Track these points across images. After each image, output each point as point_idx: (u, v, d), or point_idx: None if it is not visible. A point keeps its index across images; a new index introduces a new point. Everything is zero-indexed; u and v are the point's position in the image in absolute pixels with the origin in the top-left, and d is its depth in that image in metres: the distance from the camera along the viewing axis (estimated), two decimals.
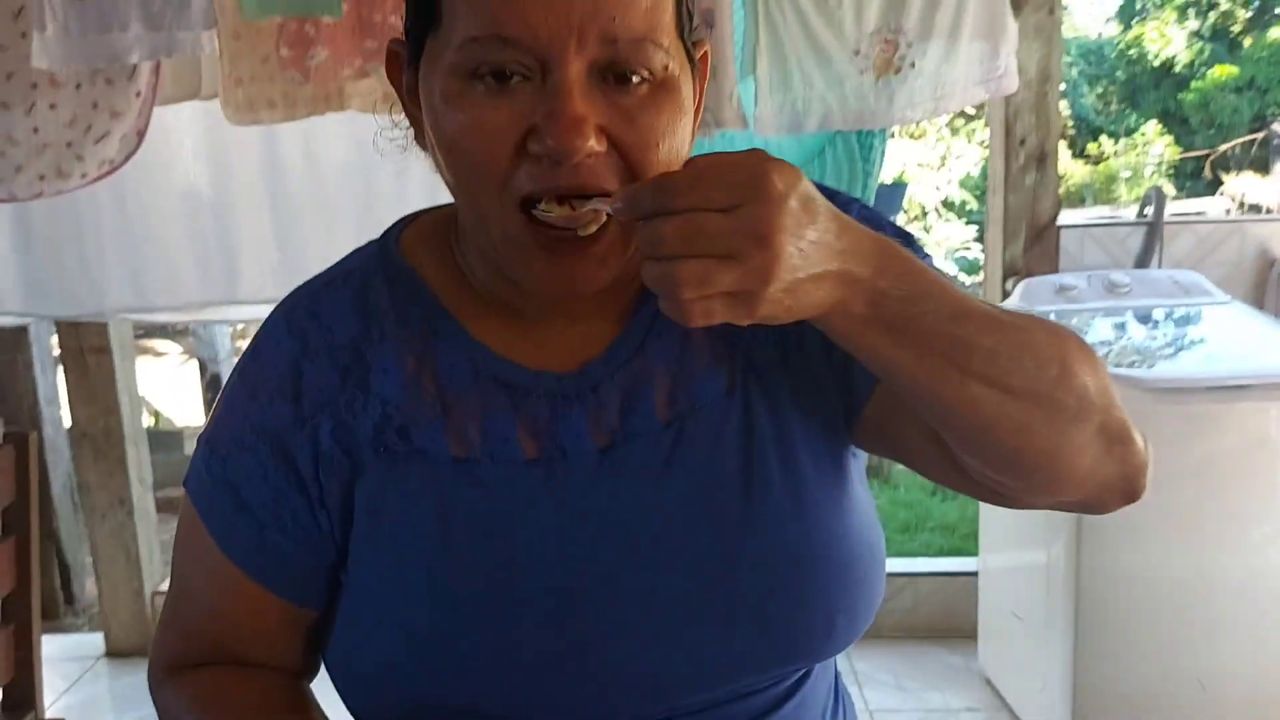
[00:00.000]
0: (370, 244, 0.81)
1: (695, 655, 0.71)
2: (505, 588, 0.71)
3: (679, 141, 0.68)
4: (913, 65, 2.16)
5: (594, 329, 0.76)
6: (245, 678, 0.79)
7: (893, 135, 8.53)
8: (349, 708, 0.78)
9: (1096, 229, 2.60)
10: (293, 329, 0.77)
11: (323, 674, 0.81)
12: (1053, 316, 2.21)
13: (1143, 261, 2.54)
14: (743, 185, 0.58)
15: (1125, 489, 0.73)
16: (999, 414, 0.65)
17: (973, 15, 2.15)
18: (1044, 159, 2.45)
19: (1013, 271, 2.49)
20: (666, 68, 0.66)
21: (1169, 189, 10.92)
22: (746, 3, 2.18)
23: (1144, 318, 2.30)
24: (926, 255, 0.77)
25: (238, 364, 0.79)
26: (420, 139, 0.74)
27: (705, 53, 0.72)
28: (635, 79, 0.65)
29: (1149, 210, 2.57)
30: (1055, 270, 2.47)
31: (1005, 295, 2.41)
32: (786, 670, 0.76)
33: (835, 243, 0.60)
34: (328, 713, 0.81)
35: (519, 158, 0.65)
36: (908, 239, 0.78)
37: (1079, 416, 0.67)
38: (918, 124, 8.46)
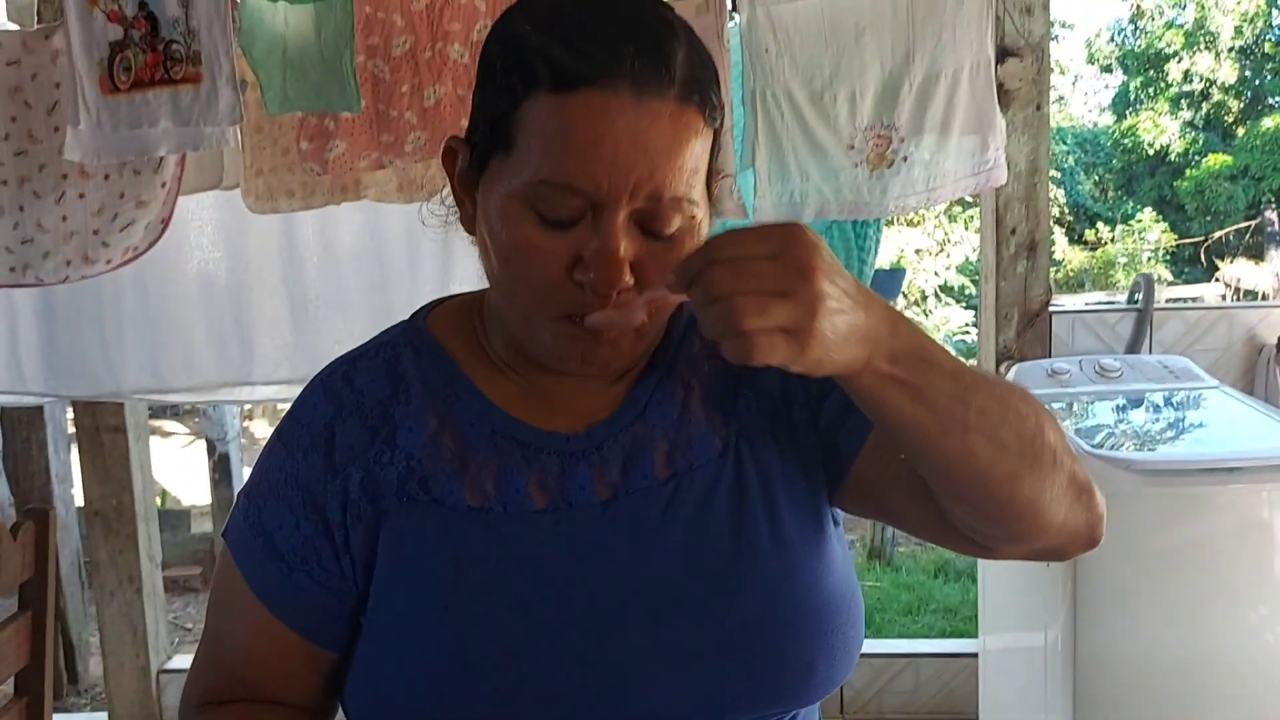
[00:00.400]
0: (401, 322, 0.91)
1: (690, 693, 0.76)
2: (515, 627, 0.78)
3: None
4: (905, 159, 2.26)
5: (601, 396, 0.85)
6: (267, 712, 0.85)
7: (891, 223, 8.69)
8: None
9: (1088, 315, 2.67)
10: (329, 394, 0.86)
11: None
12: (1046, 400, 2.27)
13: (1133, 347, 2.60)
14: (781, 236, 0.65)
15: (1088, 536, 0.81)
16: (992, 464, 0.73)
17: (962, 111, 2.25)
18: (1034, 247, 2.53)
19: (1006, 356, 2.55)
20: (694, 217, 0.76)
21: (1165, 275, 11.07)
22: (746, 99, 2.28)
23: (1136, 402, 2.35)
24: None
25: (278, 425, 0.87)
26: (463, 222, 0.83)
27: (719, 185, 0.83)
28: (669, 229, 0.75)
29: (1139, 296, 2.64)
30: (1047, 355, 2.54)
31: None
32: (773, 712, 0.82)
33: (860, 297, 0.67)
34: None
35: (564, 280, 0.75)
36: None
37: (1054, 467, 0.76)
38: (915, 213, 8.62)
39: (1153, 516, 1.97)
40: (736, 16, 2.25)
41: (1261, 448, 2.07)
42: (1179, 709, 2.03)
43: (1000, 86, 2.40)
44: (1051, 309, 2.57)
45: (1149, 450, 2.10)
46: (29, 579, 1.63)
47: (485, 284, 0.85)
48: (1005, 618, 2.40)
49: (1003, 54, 2.42)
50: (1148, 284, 2.63)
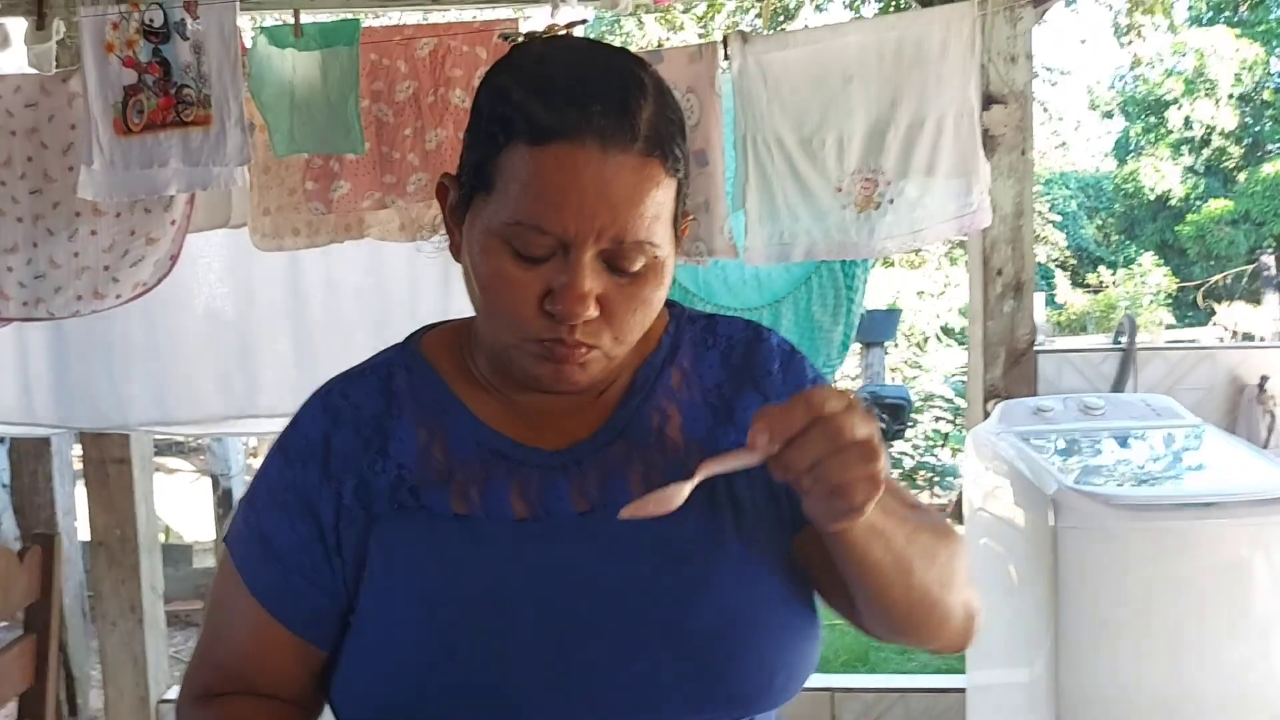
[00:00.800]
0: (396, 344, 0.98)
1: (652, 694, 0.82)
2: (494, 626, 0.84)
3: (655, 307, 0.87)
4: (891, 201, 2.33)
5: (582, 416, 0.92)
6: (260, 705, 0.91)
7: (891, 264, 8.77)
8: None
9: (1074, 354, 2.72)
10: (327, 408, 0.93)
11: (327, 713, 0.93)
12: (1030, 437, 2.32)
13: (1118, 386, 2.65)
14: (843, 395, 0.78)
15: (963, 642, 0.95)
16: (926, 593, 0.87)
17: (947, 156, 2.33)
18: (1020, 288, 2.59)
19: (993, 394, 2.60)
20: (656, 257, 0.84)
21: (1167, 318, 11.12)
22: (737, 143, 2.36)
23: (1121, 440, 2.40)
24: (824, 378, 1.00)
25: (278, 438, 0.94)
26: (452, 250, 0.91)
27: (687, 226, 0.91)
28: (632, 268, 0.83)
29: (1124, 338, 2.69)
30: (1034, 393, 2.59)
31: (986, 415, 2.52)
32: (730, 715, 0.87)
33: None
34: None
35: (536, 310, 0.83)
36: (796, 353, 1.00)
37: (962, 589, 0.91)
38: (915, 253, 8.69)
39: (1133, 553, 2.00)
40: (729, 64, 2.34)
41: (1242, 485, 2.11)
42: None
43: (986, 132, 2.48)
44: (1037, 349, 2.62)
45: (1130, 487, 2.15)
46: (34, 603, 1.68)
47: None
48: (991, 654, 2.42)
49: (988, 101, 2.50)
50: (1131, 325, 2.69)
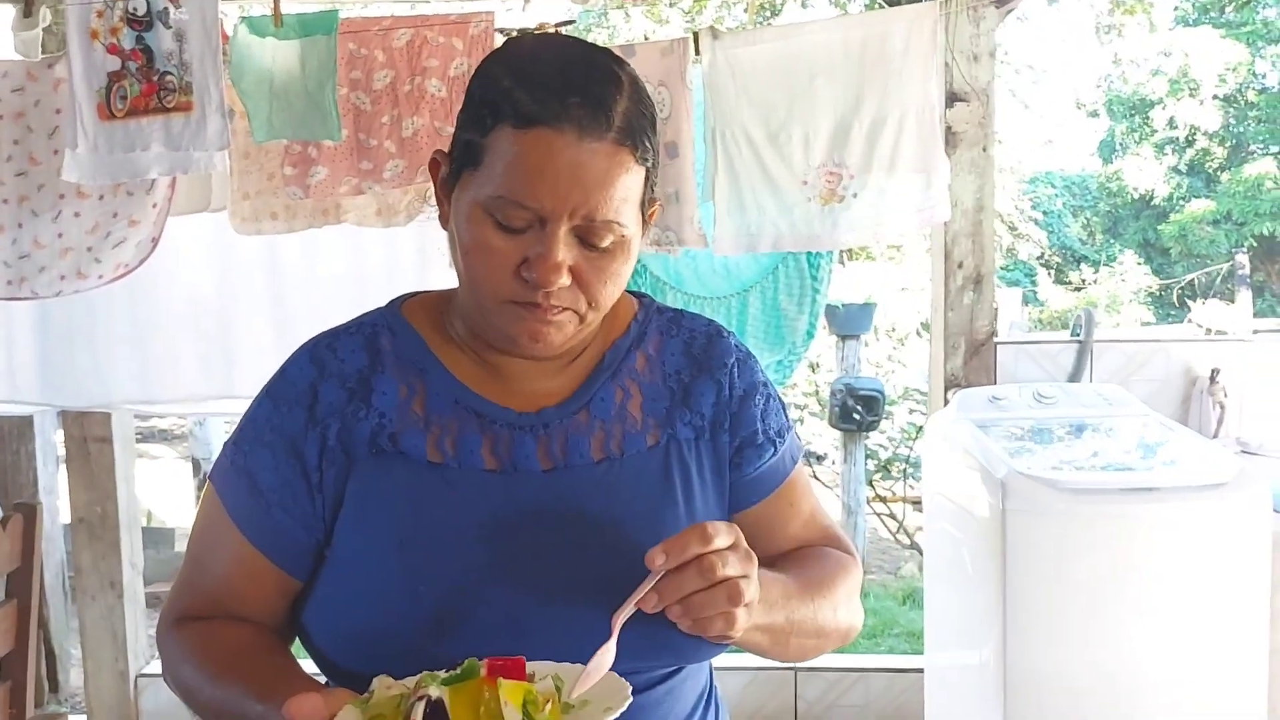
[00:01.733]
0: (379, 308, 1.07)
1: (596, 636, 0.88)
2: (459, 563, 0.93)
3: (623, 279, 0.96)
4: (855, 195, 2.40)
5: (552, 386, 1.02)
6: (235, 624, 0.99)
7: (873, 259, 8.83)
8: (320, 660, 0.98)
9: (1032, 346, 2.80)
10: (314, 358, 1.01)
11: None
12: (986, 425, 2.39)
13: (1074, 376, 2.73)
14: (732, 530, 0.87)
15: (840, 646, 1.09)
16: (804, 648, 1.00)
17: (909, 152, 2.40)
18: (980, 281, 2.67)
19: (954, 383, 2.68)
20: (624, 235, 0.93)
21: (1146, 316, 11.20)
22: (707, 136, 2.42)
23: (1078, 428, 2.48)
24: (773, 385, 1.10)
25: (266, 384, 1.02)
26: (441, 220, 1.00)
27: (654, 211, 1.00)
28: (602, 244, 0.92)
29: (1081, 331, 2.77)
30: (993, 382, 2.67)
31: (946, 403, 2.59)
32: (665, 663, 0.98)
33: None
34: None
35: (514, 276, 0.92)
36: (750, 356, 1.10)
37: (840, 622, 1.03)
38: (896, 248, 8.77)
39: (1079, 536, 2.08)
40: (699, 59, 2.40)
41: (1184, 471, 2.19)
42: (1105, 718, 2.13)
43: (948, 129, 2.55)
44: (997, 340, 2.70)
45: (1077, 472, 2.22)
46: (16, 569, 1.74)
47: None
48: (948, 635, 2.50)
49: (951, 98, 2.57)
50: (1088, 318, 2.77)
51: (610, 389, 1.02)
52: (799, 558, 1.06)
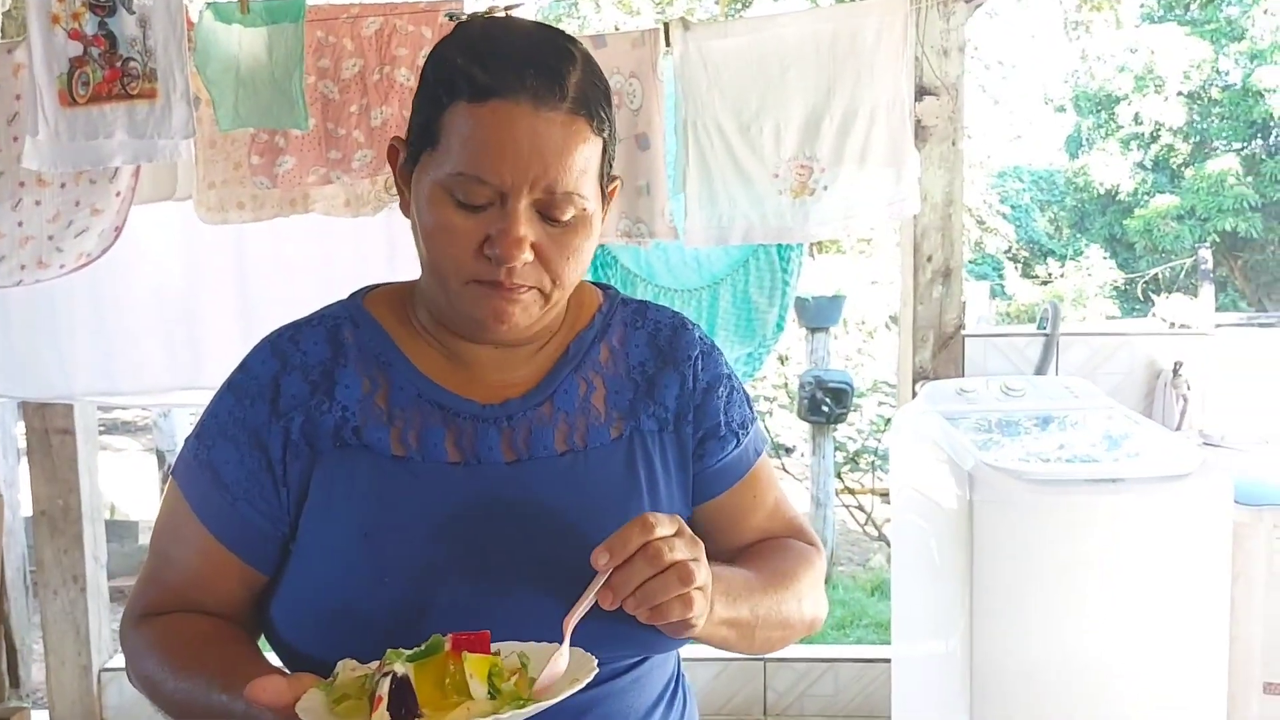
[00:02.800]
0: (341, 300, 1.05)
1: (559, 623, 0.87)
2: (424, 555, 0.93)
3: (585, 255, 0.96)
4: (825, 188, 2.41)
5: (516, 377, 1.01)
6: (198, 618, 0.98)
7: (843, 253, 8.87)
8: (286, 652, 0.97)
9: (999, 339, 2.82)
10: (276, 351, 1.00)
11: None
12: (954, 417, 2.41)
13: (1041, 369, 2.76)
14: (673, 520, 0.86)
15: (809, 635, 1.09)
16: (769, 640, 1.00)
17: (879, 145, 2.40)
18: (949, 274, 2.69)
19: (922, 375, 2.69)
20: (585, 209, 0.93)
21: (1112, 309, 11.31)
22: (679, 128, 2.42)
23: (1044, 421, 2.50)
24: (737, 377, 1.09)
25: (228, 378, 1.01)
26: (402, 208, 0.99)
27: (614, 188, 1.00)
28: (563, 217, 0.92)
29: (1047, 324, 2.80)
30: (960, 375, 2.68)
31: (914, 396, 2.61)
32: (631, 653, 0.97)
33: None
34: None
35: (476, 255, 0.91)
36: (715, 349, 1.09)
37: (804, 613, 1.04)
38: (867, 242, 8.80)
39: (1044, 526, 2.10)
40: (670, 50, 2.40)
41: (1145, 463, 2.22)
42: (1067, 708, 2.16)
43: (918, 123, 2.57)
44: (965, 333, 2.72)
45: (1043, 464, 2.25)
46: None
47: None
48: (915, 626, 2.52)
49: (921, 93, 2.58)
50: (1054, 311, 2.79)
51: (574, 381, 1.01)
52: (761, 550, 1.06)
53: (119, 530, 4.89)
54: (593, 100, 0.92)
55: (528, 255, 0.90)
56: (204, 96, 2.19)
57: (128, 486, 6.60)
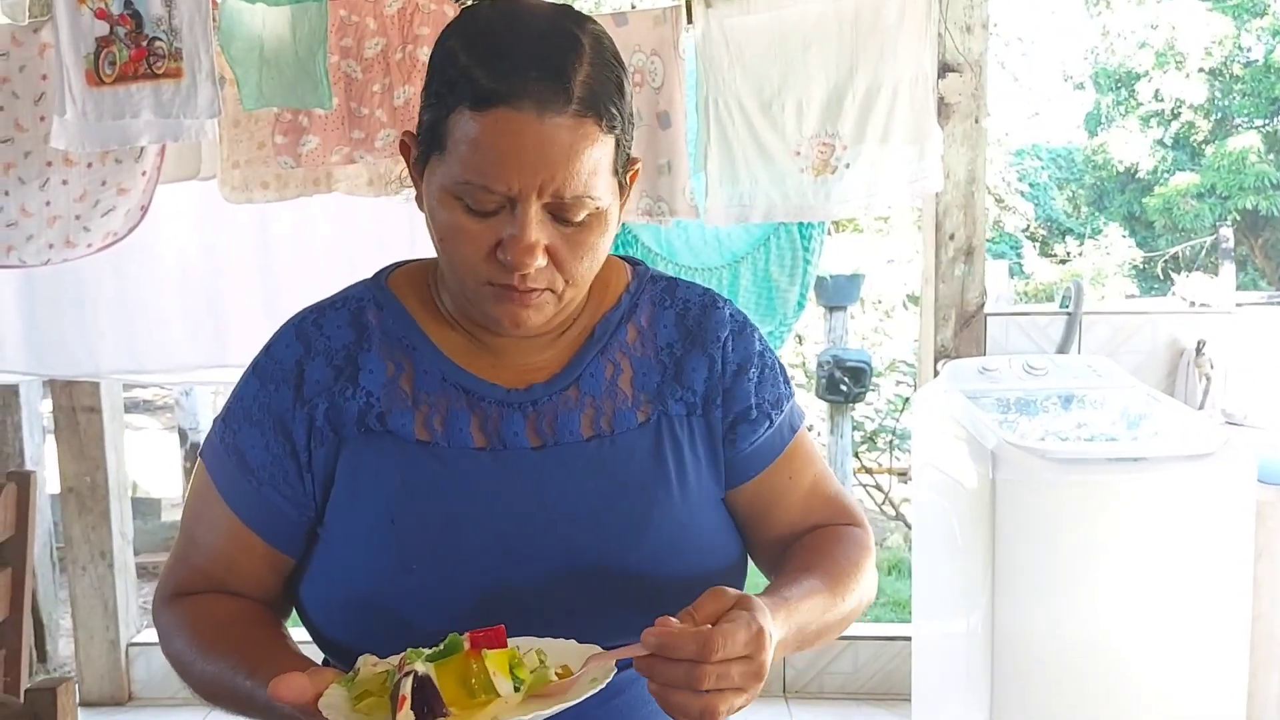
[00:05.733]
0: (365, 280, 1.05)
1: (590, 613, 0.89)
2: (450, 540, 0.93)
3: (602, 250, 0.94)
4: (847, 166, 2.40)
5: (541, 361, 1.01)
6: (229, 599, 0.99)
7: (860, 231, 8.84)
8: (315, 633, 0.98)
9: (1022, 318, 2.82)
10: (300, 335, 1.00)
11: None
12: (976, 396, 2.41)
13: (1063, 348, 2.75)
14: (754, 644, 0.79)
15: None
16: (832, 637, 0.98)
17: (902, 123, 2.39)
18: (971, 252, 2.68)
19: (944, 354, 2.69)
20: (598, 208, 0.91)
21: (1131, 288, 11.25)
22: (700, 107, 2.41)
23: (1066, 399, 2.50)
24: (771, 352, 1.07)
25: (253, 361, 1.01)
26: (418, 201, 0.97)
27: (635, 172, 0.97)
28: (576, 219, 0.90)
29: (1070, 303, 2.79)
30: (983, 354, 2.68)
31: (936, 375, 2.61)
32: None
33: (781, 645, 0.86)
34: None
35: (489, 258, 0.90)
36: (748, 325, 1.07)
37: (858, 604, 1.00)
38: (884, 220, 8.77)
39: (1067, 505, 2.10)
40: (692, 28, 2.39)
41: (1168, 442, 2.22)
42: (1089, 686, 2.17)
43: (941, 100, 2.55)
44: (987, 312, 2.71)
45: (1066, 442, 2.25)
46: (10, 538, 1.74)
47: None
48: (936, 604, 2.53)
49: (944, 69, 2.57)
50: (1078, 290, 2.78)
51: (600, 364, 1.00)
52: (818, 549, 1.02)
53: (142, 508, 4.94)
54: (601, 96, 0.89)
55: (541, 260, 0.89)
56: (228, 76, 2.20)
57: (149, 464, 6.67)
